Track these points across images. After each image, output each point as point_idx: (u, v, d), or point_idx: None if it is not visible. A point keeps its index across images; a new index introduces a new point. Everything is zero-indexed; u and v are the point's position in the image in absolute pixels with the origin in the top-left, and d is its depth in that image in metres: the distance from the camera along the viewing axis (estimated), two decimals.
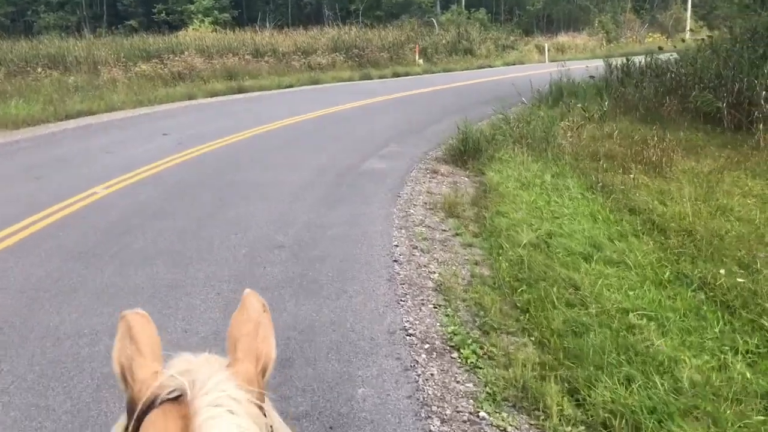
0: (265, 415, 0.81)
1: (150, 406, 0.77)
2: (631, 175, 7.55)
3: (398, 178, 8.58)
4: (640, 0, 49.16)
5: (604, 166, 8.47)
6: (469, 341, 3.99)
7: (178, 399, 0.77)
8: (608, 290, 4.67)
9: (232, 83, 19.19)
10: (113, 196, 7.41)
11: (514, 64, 29.59)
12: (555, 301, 4.45)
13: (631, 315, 4.28)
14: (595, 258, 5.30)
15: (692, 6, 44.01)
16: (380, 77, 23.89)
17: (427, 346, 3.94)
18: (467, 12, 41.36)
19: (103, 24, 41.63)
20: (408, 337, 4.03)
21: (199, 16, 38.53)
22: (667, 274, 4.98)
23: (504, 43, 33.19)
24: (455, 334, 4.10)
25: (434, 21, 34.09)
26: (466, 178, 8.86)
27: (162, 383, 0.79)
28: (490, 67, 28.51)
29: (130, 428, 0.79)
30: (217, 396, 0.76)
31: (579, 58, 33.04)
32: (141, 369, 0.82)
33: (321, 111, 14.48)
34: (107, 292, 4.63)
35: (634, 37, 39.42)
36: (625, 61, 16.65)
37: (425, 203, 7.48)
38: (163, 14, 40.67)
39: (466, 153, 9.54)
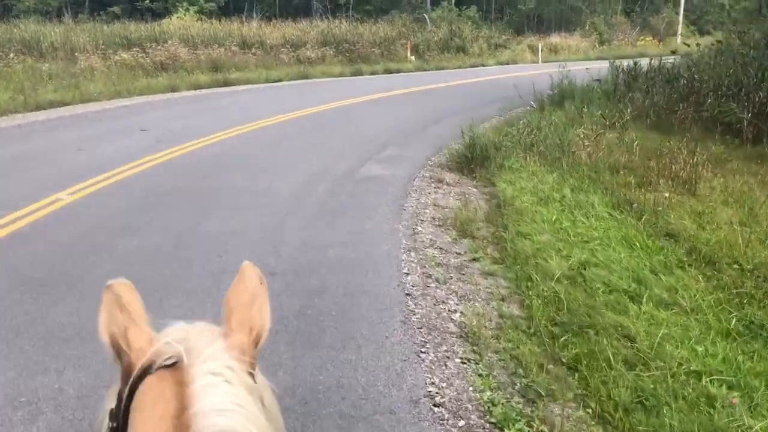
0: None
1: (145, 372, 0.77)
2: (665, 194, 6.77)
3: (400, 187, 7.75)
4: (630, 3, 48.75)
5: (629, 180, 7.70)
6: (514, 415, 3.17)
7: (174, 365, 0.77)
8: (669, 343, 3.88)
9: (217, 75, 18.21)
10: (79, 204, 6.49)
11: (507, 64, 28.85)
12: (611, 358, 3.65)
13: (705, 380, 3.49)
14: (643, 298, 4.50)
15: (684, 10, 43.68)
16: (372, 73, 23.03)
17: (462, 423, 3.11)
18: (458, 9, 40.58)
19: (84, 9, 40.21)
20: (436, 409, 3.20)
21: (184, 4, 37.32)
22: (734, 321, 4.19)
23: (496, 42, 32.44)
24: (494, 404, 3.27)
25: (426, 17, 33.24)
26: (474, 189, 8.05)
27: (158, 350, 0.78)
28: (483, 66, 27.75)
29: (125, 394, 0.78)
30: (214, 365, 0.77)
31: (572, 59, 32.38)
32: (137, 337, 0.82)
33: (312, 108, 13.59)
34: (58, 337, 3.74)
35: (626, 39, 38.87)
36: (632, 64, 15.98)
37: (433, 218, 6.66)
38: (147, 1, 39.37)
39: (473, 160, 8.73)
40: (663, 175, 7.58)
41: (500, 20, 44.65)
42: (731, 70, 11.75)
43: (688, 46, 19.04)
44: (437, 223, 6.52)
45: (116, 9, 39.03)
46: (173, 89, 16.08)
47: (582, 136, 8.94)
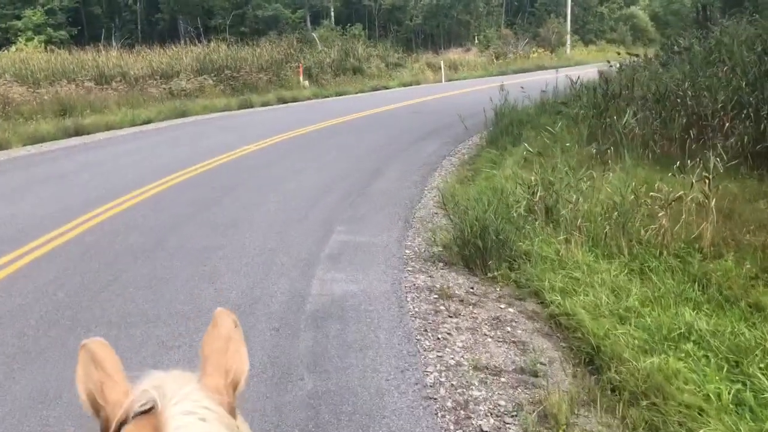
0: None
1: (122, 423, 0.77)
2: None
3: (391, 326, 4.37)
4: (511, 15, 48.09)
5: (748, 271, 4.77)
6: None
7: (150, 411, 0.76)
8: None
9: (66, 121, 13.89)
10: None
11: (410, 85, 26.12)
12: None
13: None
14: None
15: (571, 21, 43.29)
16: (264, 104, 19.41)
17: None
18: (341, 28, 37.76)
19: None
20: None
21: (28, 33, 31.93)
22: None
23: (392, 61, 29.71)
24: None
25: (315, 37, 30.00)
26: (511, 309, 4.79)
27: (133, 399, 0.78)
28: (386, 88, 24.83)
29: None
30: (187, 405, 0.76)
31: (474, 76, 30.31)
32: (112, 391, 0.82)
33: (196, 166, 9.85)
34: None
35: (520, 52, 37.52)
36: (577, 77, 13.61)
37: (494, 412, 3.35)
38: None
39: (485, 251, 5.47)
40: None
41: (385, 38, 42.26)
42: (730, 85, 9.40)
43: (637, 56, 16.98)
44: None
45: None
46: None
47: (646, 197, 5.89)
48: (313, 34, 31.05)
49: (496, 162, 9.87)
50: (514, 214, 5.92)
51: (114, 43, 32.95)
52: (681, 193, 5.48)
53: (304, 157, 10.52)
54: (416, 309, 4.67)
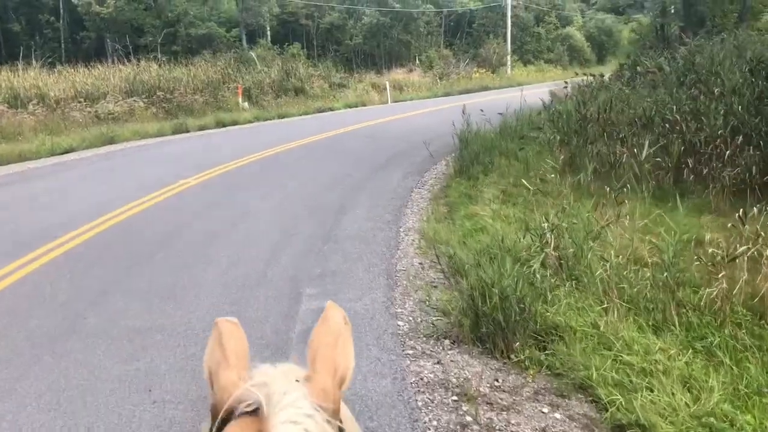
0: (341, 431, 0.80)
1: (229, 416, 0.78)
2: None
3: None
4: (449, 36, 47.79)
5: None
6: None
7: (255, 412, 0.76)
8: None
9: None
10: None
11: (356, 106, 24.97)
12: None
13: None
14: None
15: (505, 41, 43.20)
16: (201, 128, 17.85)
17: None
18: (279, 47, 36.44)
19: None
20: None
21: None
22: None
23: (335, 81, 28.55)
24: None
25: (253, 56, 28.55)
26: (554, 413, 3.58)
27: (240, 396, 0.78)
28: (332, 110, 23.60)
29: None
30: (292, 413, 0.75)
31: (420, 96, 29.46)
32: (224, 376, 0.82)
33: (126, 207, 8.33)
34: None
35: (463, 73, 37.00)
36: (548, 98, 12.80)
37: None
38: None
39: (507, 327, 4.25)
40: None
41: (324, 57, 41.14)
42: (718, 108, 8.64)
43: (592, 76, 16.31)
44: None
45: None
46: None
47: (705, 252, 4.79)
48: (251, 53, 29.57)
49: (471, 196, 8.76)
50: (536, 275, 4.72)
51: (34, 63, 30.60)
52: (744, 248, 4.41)
53: (255, 193, 9.13)
54: (435, 423, 3.41)
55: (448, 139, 13.88)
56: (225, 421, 0.78)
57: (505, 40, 42.72)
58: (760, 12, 15.08)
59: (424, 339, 4.44)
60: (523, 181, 6.83)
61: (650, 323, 4.35)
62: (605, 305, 4.45)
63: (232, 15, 39.36)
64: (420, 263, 6.17)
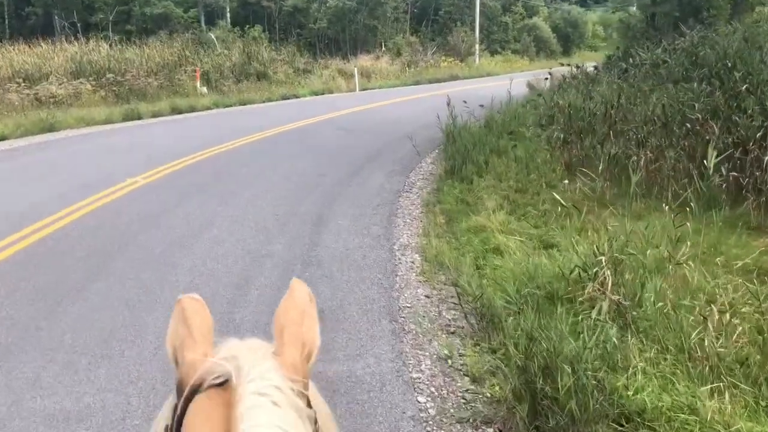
0: (309, 406, 0.79)
1: (196, 390, 0.76)
2: None
3: None
4: (414, 23, 46.53)
5: None
6: None
7: (223, 385, 0.75)
8: None
9: None
10: None
11: (323, 93, 23.52)
12: None
13: None
14: None
15: (473, 30, 42.14)
16: (154, 115, 16.22)
17: None
18: (239, 30, 34.66)
19: None
20: None
21: None
22: None
23: (300, 67, 27.01)
24: None
25: (213, 38, 26.79)
26: None
27: (208, 368, 0.77)
28: (297, 97, 22.11)
29: (179, 409, 0.77)
30: (261, 385, 0.74)
31: (389, 85, 28.14)
32: (190, 351, 0.81)
33: (51, 218, 6.86)
34: None
35: (431, 61, 35.78)
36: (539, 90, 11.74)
37: None
38: None
39: (578, 411, 3.05)
40: None
41: (286, 41, 39.44)
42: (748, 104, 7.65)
43: (577, 67, 15.31)
44: None
45: None
46: None
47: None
48: (210, 34, 27.80)
49: (469, 203, 7.56)
50: (611, 337, 3.51)
51: None
52: None
53: (215, 197, 7.75)
54: None
55: (429, 132, 12.68)
56: (192, 394, 0.75)
57: (473, 29, 41.61)
58: (759, 3, 14.23)
59: (459, 427, 3.20)
60: (555, 195, 5.60)
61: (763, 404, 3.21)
62: (694, 370, 3.28)
63: None
64: (426, 296, 4.94)
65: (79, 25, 32.38)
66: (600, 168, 7.85)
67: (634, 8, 16.81)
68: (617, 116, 9.19)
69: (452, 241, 6.26)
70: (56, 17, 34.30)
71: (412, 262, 5.70)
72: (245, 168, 9.49)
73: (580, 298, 4.14)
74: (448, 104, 10.44)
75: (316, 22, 39.99)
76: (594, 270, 4.19)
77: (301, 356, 0.82)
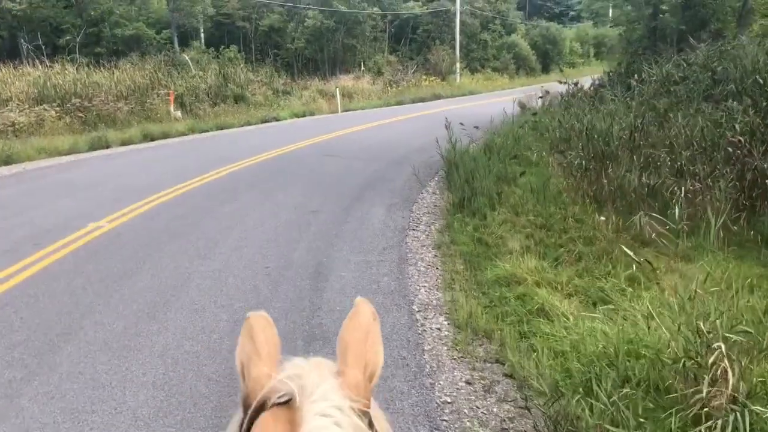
0: (371, 425, 0.78)
1: (262, 407, 0.77)
2: None
3: None
4: (393, 42, 45.81)
5: None
6: None
7: (287, 403, 0.76)
8: None
9: None
10: None
11: (305, 116, 22.45)
12: None
13: None
14: None
15: (453, 48, 41.48)
16: (124, 143, 15.01)
17: None
18: (214, 51, 33.61)
19: None
20: None
21: None
22: None
23: (279, 88, 25.94)
24: None
25: (187, 59, 25.64)
26: None
27: (273, 387, 0.78)
28: (277, 119, 21.01)
29: (244, 425, 0.78)
30: (324, 405, 0.74)
31: (372, 105, 27.16)
32: (255, 368, 0.82)
33: (22, 266, 5.69)
34: None
35: (412, 80, 34.94)
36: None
37: None
38: None
39: None
40: None
41: (263, 62, 38.37)
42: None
43: (575, 84, 14.43)
44: None
45: None
46: None
47: None
48: (184, 55, 26.65)
49: (489, 244, 6.50)
50: None
51: None
52: None
53: (190, 247, 6.58)
54: None
55: (424, 156, 11.69)
56: (258, 411, 0.76)
57: (453, 48, 40.99)
58: (764, 15, 13.52)
59: None
60: (624, 248, 4.52)
61: None
62: None
63: (163, 15, 36.17)
64: (467, 382, 3.85)
65: (45, 48, 31.02)
66: (634, 200, 6.89)
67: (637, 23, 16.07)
68: (641, 139, 8.26)
69: (480, 296, 5.18)
70: (22, 40, 32.92)
71: (439, 329, 4.61)
72: (227, 205, 8.33)
73: (690, 399, 3.06)
74: (447, 128, 9.45)
75: (294, 41, 39.02)
76: (705, 356, 3.12)
77: (364, 376, 0.81)
